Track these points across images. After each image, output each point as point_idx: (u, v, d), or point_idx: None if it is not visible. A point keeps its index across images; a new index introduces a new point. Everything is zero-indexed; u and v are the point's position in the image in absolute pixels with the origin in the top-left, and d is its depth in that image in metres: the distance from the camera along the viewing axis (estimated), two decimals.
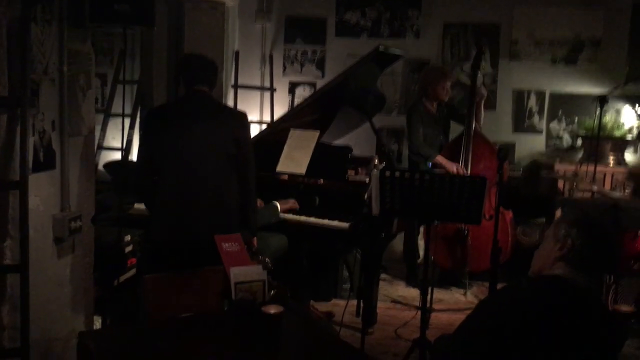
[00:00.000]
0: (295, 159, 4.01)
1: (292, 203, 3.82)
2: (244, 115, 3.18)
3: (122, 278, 3.52)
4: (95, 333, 2.84)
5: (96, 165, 5.24)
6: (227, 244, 2.53)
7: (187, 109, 3.03)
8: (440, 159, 4.59)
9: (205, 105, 3.05)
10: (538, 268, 1.86)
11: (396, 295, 4.71)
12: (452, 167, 4.49)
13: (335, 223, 3.71)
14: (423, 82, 4.83)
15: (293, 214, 3.84)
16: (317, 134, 4.07)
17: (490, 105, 5.53)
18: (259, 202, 3.79)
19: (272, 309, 2.14)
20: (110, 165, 5.02)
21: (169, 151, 2.97)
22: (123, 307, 3.44)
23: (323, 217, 3.77)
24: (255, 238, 3.22)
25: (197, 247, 2.87)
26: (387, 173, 2.90)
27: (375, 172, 2.98)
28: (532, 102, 5.56)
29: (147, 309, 2.43)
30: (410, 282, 4.93)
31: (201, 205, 2.97)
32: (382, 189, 2.94)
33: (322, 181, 3.97)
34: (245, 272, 2.40)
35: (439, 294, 4.66)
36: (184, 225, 2.96)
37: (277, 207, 3.73)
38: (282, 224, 3.78)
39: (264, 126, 5.12)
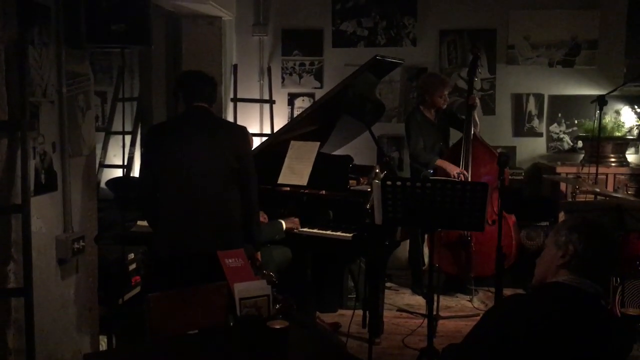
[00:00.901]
0: (296, 170, 4.01)
1: (296, 223, 3.81)
2: (244, 130, 3.19)
3: (127, 296, 3.50)
4: (100, 355, 2.83)
5: (98, 183, 5.26)
6: (230, 260, 2.53)
7: (187, 126, 3.03)
8: (440, 162, 4.59)
9: (205, 121, 3.06)
10: (541, 277, 1.85)
11: (402, 303, 4.69)
12: (454, 170, 4.49)
13: (339, 234, 3.71)
14: (421, 90, 4.83)
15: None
16: (317, 144, 4.07)
17: (490, 110, 5.53)
18: (263, 216, 3.80)
19: (278, 324, 2.13)
20: (112, 182, 5.03)
21: (170, 167, 2.97)
22: (129, 326, 3.42)
23: (326, 229, 3.77)
24: (259, 252, 3.21)
25: (201, 263, 2.86)
26: (389, 182, 2.89)
27: (376, 181, 2.97)
28: (531, 106, 5.56)
29: (151, 328, 2.42)
30: (416, 289, 4.91)
31: (204, 221, 2.97)
32: (384, 199, 2.93)
33: (324, 192, 3.96)
34: (250, 288, 2.39)
35: (445, 301, 4.64)
36: (187, 241, 2.96)
37: (283, 226, 3.72)
38: (286, 237, 3.77)
39: (264, 138, 5.11)
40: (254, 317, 2.29)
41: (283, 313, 2.53)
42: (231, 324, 2.51)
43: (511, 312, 1.72)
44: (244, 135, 3.14)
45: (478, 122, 4.74)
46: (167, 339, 2.36)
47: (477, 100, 4.73)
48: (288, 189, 4.06)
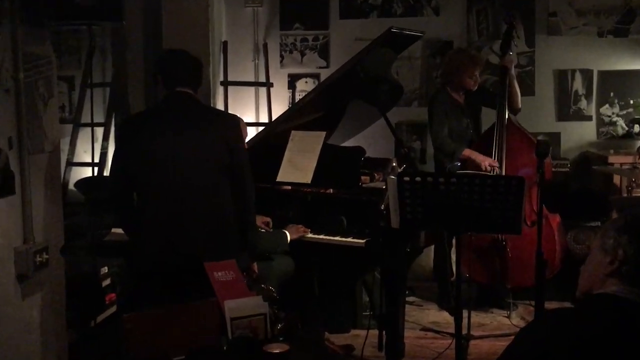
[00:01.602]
0: (298, 166, 4.02)
1: (302, 231, 3.81)
2: (236, 119, 3.19)
3: (101, 318, 3.53)
4: None
5: (66, 184, 5.30)
6: (219, 273, 2.54)
7: (168, 115, 3.04)
8: (468, 152, 4.58)
9: (189, 110, 3.06)
10: (586, 288, 1.84)
11: (427, 321, 4.68)
12: (484, 161, 4.48)
13: (350, 240, 3.71)
14: (447, 69, 4.83)
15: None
16: (322, 135, 4.07)
17: (528, 89, 5.51)
18: (264, 220, 3.81)
19: (277, 348, 2.15)
20: (83, 183, 5.05)
21: (149, 165, 2.98)
22: (103, 353, 3.45)
23: (335, 234, 3.77)
24: (255, 263, 3.22)
25: (189, 277, 2.87)
26: (406, 178, 2.88)
27: (392, 177, 2.97)
28: (578, 84, 5.53)
29: (128, 354, 2.43)
30: (444, 304, 4.91)
31: (191, 227, 2.98)
32: (401, 197, 2.93)
33: (331, 191, 3.96)
34: (243, 305, 2.41)
35: (478, 317, 4.63)
36: (172, 251, 2.97)
37: (287, 238, 3.72)
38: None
39: (261, 129, 5.12)
40: (248, 340, 2.31)
41: (284, 334, 2.54)
42: (224, 347, 2.52)
43: (551, 330, 1.72)
44: (235, 125, 3.15)
45: (518, 92, 4.70)
46: None
47: (514, 60, 4.69)
48: (289, 187, 4.06)
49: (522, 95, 4.80)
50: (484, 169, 4.43)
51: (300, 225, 3.82)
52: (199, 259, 2.74)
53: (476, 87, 4.80)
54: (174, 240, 2.96)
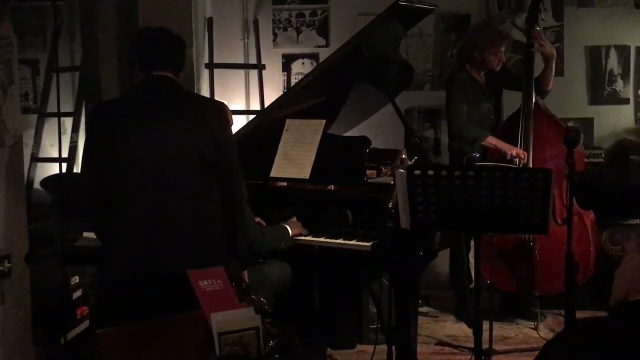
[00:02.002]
0: (295, 159, 4.02)
1: (300, 226, 3.82)
2: (222, 106, 3.20)
3: (72, 334, 3.53)
4: None
5: (30, 183, 5.30)
6: (205, 282, 2.55)
7: (145, 103, 3.05)
8: (492, 140, 4.59)
9: (169, 96, 3.07)
10: (622, 295, 1.84)
11: (443, 334, 4.70)
12: (511, 150, 4.49)
13: (353, 243, 3.71)
14: (469, 45, 4.84)
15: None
16: (322, 123, 4.07)
17: (557, 70, 5.50)
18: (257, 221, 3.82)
19: None
20: (50, 181, 5.06)
21: (124, 161, 2.98)
22: None
23: (337, 236, 3.77)
24: (245, 271, 3.23)
25: (170, 288, 2.88)
26: (417, 172, 2.89)
27: (400, 171, 2.98)
28: (613, 62, 5.54)
29: None
30: (462, 315, 4.92)
31: (173, 231, 2.98)
32: (412, 194, 2.93)
33: (332, 187, 3.97)
34: (232, 318, 2.41)
35: (501, 329, 4.65)
36: (152, 258, 2.98)
37: (289, 231, 3.73)
38: (281, 250, 3.78)
39: (252, 117, 5.13)
40: (238, 358, 2.32)
41: (280, 351, 2.55)
42: None
43: (581, 343, 1.72)
44: (222, 113, 3.15)
45: (553, 73, 4.72)
46: None
47: (542, 38, 4.70)
48: (285, 184, 4.07)
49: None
50: (509, 158, 4.44)
51: (295, 220, 3.82)
52: (180, 268, 2.74)
53: (499, 67, 4.81)
54: (151, 248, 2.96)
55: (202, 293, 2.53)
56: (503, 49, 4.76)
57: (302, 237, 3.81)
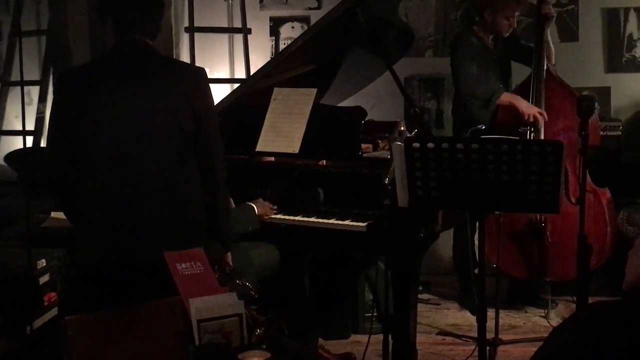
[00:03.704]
0: (283, 132, 4.01)
1: (268, 207, 3.82)
2: (200, 72, 3.17)
3: (38, 322, 3.53)
4: None
5: None
6: (183, 265, 2.55)
7: (118, 70, 3.02)
8: (509, 97, 4.61)
9: (144, 63, 3.04)
10: (636, 277, 1.85)
11: (445, 323, 4.72)
12: (529, 111, 4.48)
13: (347, 223, 3.71)
14: (480, 4, 4.82)
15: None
16: (313, 92, 4.06)
17: (570, 34, 5.51)
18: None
19: (255, 357, 2.16)
20: (14, 156, 5.05)
21: (94, 133, 2.96)
22: None
23: (329, 216, 3.77)
24: (229, 253, 3.23)
25: (145, 273, 2.88)
26: (416, 144, 2.88)
27: (398, 143, 2.97)
28: (632, 26, 5.53)
29: None
30: (466, 302, 4.94)
31: (148, 211, 2.97)
32: (411, 168, 2.93)
33: (324, 162, 3.96)
34: (213, 304, 2.41)
35: (508, 317, 4.69)
36: (124, 241, 2.97)
37: (255, 211, 3.73)
38: (270, 230, 3.78)
39: (237, 86, 5.11)
40: (220, 347, 2.32)
41: (267, 341, 2.56)
42: (190, 356, 2.54)
43: (590, 329, 1.72)
44: (199, 80, 3.11)
45: (552, 48, 4.71)
46: None
47: (553, 11, 4.70)
48: (272, 159, 4.06)
49: (563, 42, 4.80)
50: (526, 119, 4.44)
51: (263, 200, 3.82)
52: (155, 250, 2.73)
53: (508, 34, 4.80)
54: (124, 230, 2.95)
55: (180, 277, 2.53)
56: (517, 13, 4.75)
57: (290, 217, 3.81)
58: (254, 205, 3.75)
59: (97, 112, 2.96)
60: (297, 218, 3.82)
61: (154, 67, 3.07)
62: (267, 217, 3.79)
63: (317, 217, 3.79)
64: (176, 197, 3.01)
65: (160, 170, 2.98)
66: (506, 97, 4.61)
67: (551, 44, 4.72)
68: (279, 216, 3.84)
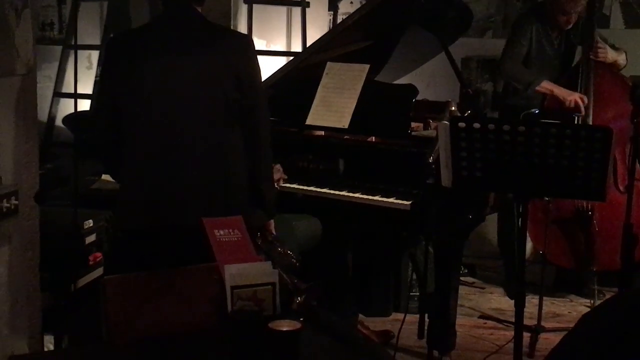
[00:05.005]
0: (333, 106, 4.01)
1: (279, 171, 3.79)
2: (246, 39, 3.16)
3: (83, 281, 3.59)
4: (27, 357, 2.93)
5: (52, 119, 5.39)
6: (221, 232, 2.55)
7: (164, 36, 3.02)
8: (548, 85, 4.57)
9: (191, 29, 3.04)
10: None
11: (488, 307, 4.71)
12: (570, 97, 4.42)
13: (392, 201, 3.70)
14: None
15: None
16: (366, 68, 4.05)
17: (636, 19, 5.37)
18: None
19: (285, 326, 2.16)
20: (72, 118, 5.11)
21: (138, 98, 2.98)
22: (85, 323, 3.51)
23: (374, 193, 3.76)
24: (272, 221, 3.24)
25: (186, 239, 2.90)
26: (462, 124, 2.85)
27: (444, 122, 2.94)
28: None
29: (108, 324, 2.48)
30: (510, 289, 4.90)
31: (190, 177, 2.99)
32: (455, 148, 2.90)
33: (373, 139, 3.95)
34: (247, 272, 2.41)
35: (553, 305, 4.66)
36: (166, 206, 2.99)
37: None
38: (312, 204, 3.79)
39: (291, 59, 5.11)
40: (251, 315, 2.33)
41: (304, 313, 2.55)
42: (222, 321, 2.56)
43: (616, 316, 1.69)
44: (245, 48, 3.09)
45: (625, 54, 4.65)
46: (130, 341, 2.41)
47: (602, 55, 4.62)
48: (322, 133, 4.06)
49: (628, 28, 4.70)
50: (567, 105, 4.39)
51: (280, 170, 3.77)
52: (196, 217, 2.75)
53: (570, 26, 4.73)
54: (166, 194, 2.97)
55: (217, 243, 2.54)
56: (579, 9, 4.67)
57: (334, 192, 3.80)
58: None
59: (142, 78, 2.97)
60: (342, 193, 3.82)
61: (200, 34, 3.06)
62: (279, 184, 3.77)
63: (362, 194, 3.79)
64: (219, 164, 3.02)
65: (204, 137, 2.99)
66: (545, 85, 4.56)
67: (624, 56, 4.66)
68: (324, 190, 3.84)
